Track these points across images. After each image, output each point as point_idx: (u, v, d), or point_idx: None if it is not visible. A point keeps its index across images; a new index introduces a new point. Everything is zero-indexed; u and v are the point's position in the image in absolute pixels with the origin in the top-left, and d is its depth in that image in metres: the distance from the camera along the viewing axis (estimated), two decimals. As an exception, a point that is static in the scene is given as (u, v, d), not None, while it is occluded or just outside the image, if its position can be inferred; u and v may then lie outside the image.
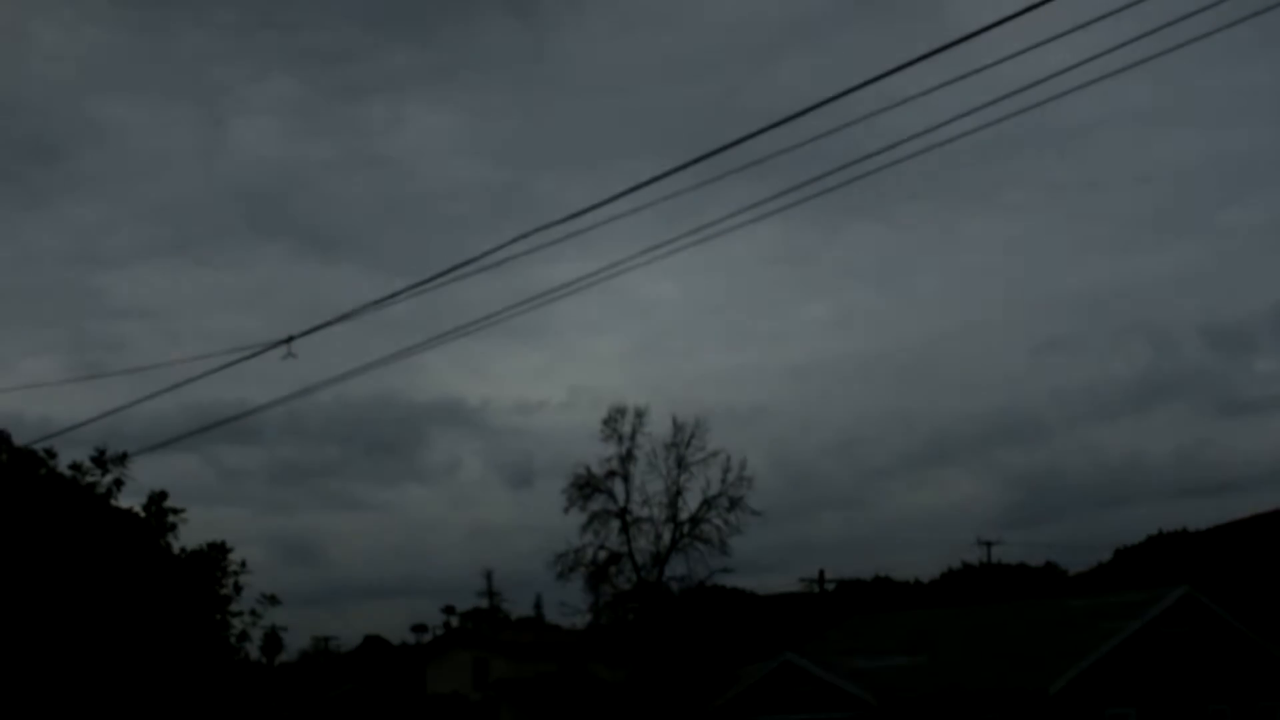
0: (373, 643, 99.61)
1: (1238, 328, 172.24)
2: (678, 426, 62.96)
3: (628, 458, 62.83)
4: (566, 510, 63.47)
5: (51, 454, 35.10)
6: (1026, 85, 16.71)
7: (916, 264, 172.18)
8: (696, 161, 17.80)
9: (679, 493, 62.84)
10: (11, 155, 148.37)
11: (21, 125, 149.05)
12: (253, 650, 35.52)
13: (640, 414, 62.87)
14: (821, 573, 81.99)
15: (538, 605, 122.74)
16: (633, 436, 62.78)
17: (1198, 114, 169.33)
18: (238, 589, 34.44)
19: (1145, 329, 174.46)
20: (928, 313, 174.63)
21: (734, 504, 62.19)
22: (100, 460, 33.66)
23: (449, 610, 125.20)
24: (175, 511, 34.32)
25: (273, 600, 34.85)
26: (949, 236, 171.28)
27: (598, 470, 63.07)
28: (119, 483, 33.90)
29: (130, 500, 33.57)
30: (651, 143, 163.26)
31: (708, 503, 62.50)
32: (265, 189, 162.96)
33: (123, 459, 33.72)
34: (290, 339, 24.90)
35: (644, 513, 63.15)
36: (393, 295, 23.65)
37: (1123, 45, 15.71)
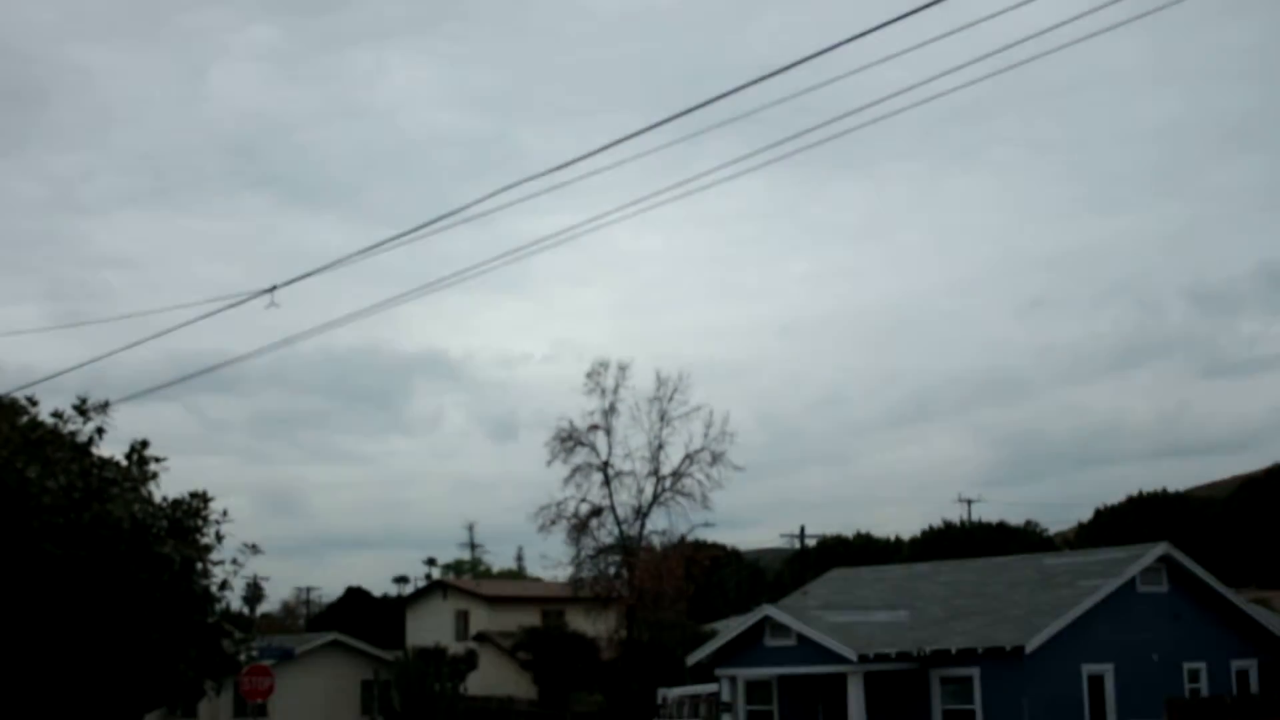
0: (354, 594, 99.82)
1: (1222, 289, 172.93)
2: (660, 380, 63.10)
3: (610, 411, 62.95)
4: (549, 463, 63.64)
5: (33, 401, 35.06)
6: (1012, 43, 16.70)
7: (901, 221, 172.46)
8: (681, 115, 17.78)
9: (661, 447, 63.00)
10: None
11: (0, 72, 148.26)
12: (234, 600, 35.56)
13: (623, 368, 62.97)
14: (802, 528, 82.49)
15: (519, 558, 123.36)
16: (615, 390, 62.88)
17: (1184, 74, 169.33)
18: (219, 538, 34.47)
19: (1129, 289, 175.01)
20: (913, 270, 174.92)
21: (716, 458, 62.38)
22: (82, 408, 33.62)
23: (431, 562, 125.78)
24: (157, 460, 34.33)
25: (254, 550, 34.90)
26: (934, 194, 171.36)
27: (580, 424, 63.19)
28: (101, 431, 33.88)
29: (112, 449, 33.57)
30: (636, 96, 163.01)
31: (689, 457, 62.68)
32: (246, 138, 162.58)
33: (104, 407, 33.70)
34: (274, 288, 24.89)
35: (626, 466, 63.34)
36: (376, 245, 23.65)
37: (1109, 4, 15.70)
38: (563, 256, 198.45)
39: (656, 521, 63.92)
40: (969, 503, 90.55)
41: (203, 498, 34.31)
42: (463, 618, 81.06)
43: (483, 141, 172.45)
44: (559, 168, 19.56)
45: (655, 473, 62.93)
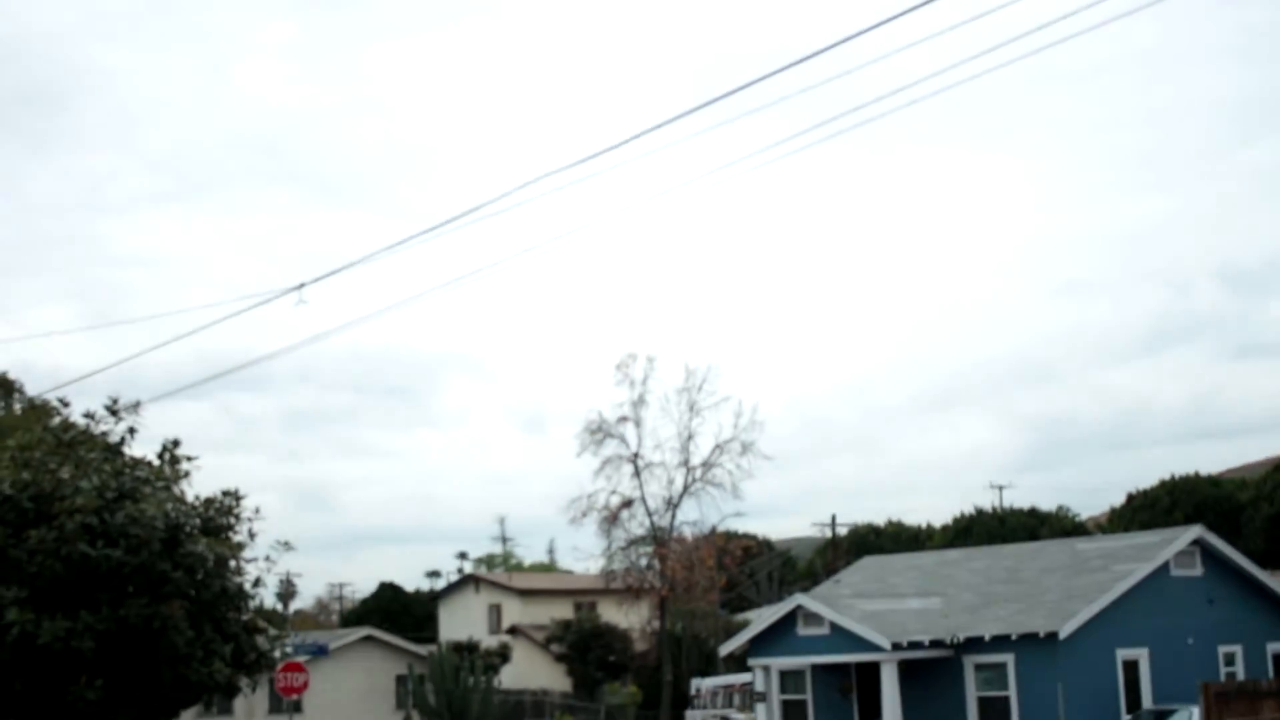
0: (387, 589, 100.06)
1: (1252, 270, 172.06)
2: (689, 371, 63.11)
3: (639, 403, 62.94)
4: (579, 455, 63.72)
5: (65, 403, 35.24)
6: (1039, 26, 16.64)
7: (931, 206, 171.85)
8: (709, 104, 17.76)
9: (690, 437, 62.99)
10: (13, 103, 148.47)
11: (23, 73, 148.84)
12: (268, 597, 35.69)
13: (651, 359, 62.99)
14: (833, 517, 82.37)
15: (551, 550, 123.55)
16: (644, 381, 62.88)
17: (1211, 54, 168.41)
18: (252, 536, 34.58)
19: (1160, 271, 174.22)
20: (942, 255, 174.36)
21: (745, 448, 62.35)
22: (113, 408, 33.75)
23: (462, 555, 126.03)
24: (188, 459, 34.46)
25: (287, 546, 35.00)
26: (962, 178, 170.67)
27: (609, 416, 63.19)
28: (132, 430, 34.01)
29: (143, 448, 33.73)
30: (659, 86, 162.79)
31: (719, 447, 62.64)
32: (268, 135, 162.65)
33: (136, 407, 33.84)
34: (302, 285, 24.96)
35: (656, 457, 63.33)
36: (402, 241, 23.70)
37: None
38: (586, 246, 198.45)
39: (687, 512, 63.96)
40: (1000, 489, 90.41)
41: (235, 496, 34.44)
42: (495, 611, 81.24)
43: (507, 135, 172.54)
44: (584, 160, 19.58)
45: (685, 463, 62.96)
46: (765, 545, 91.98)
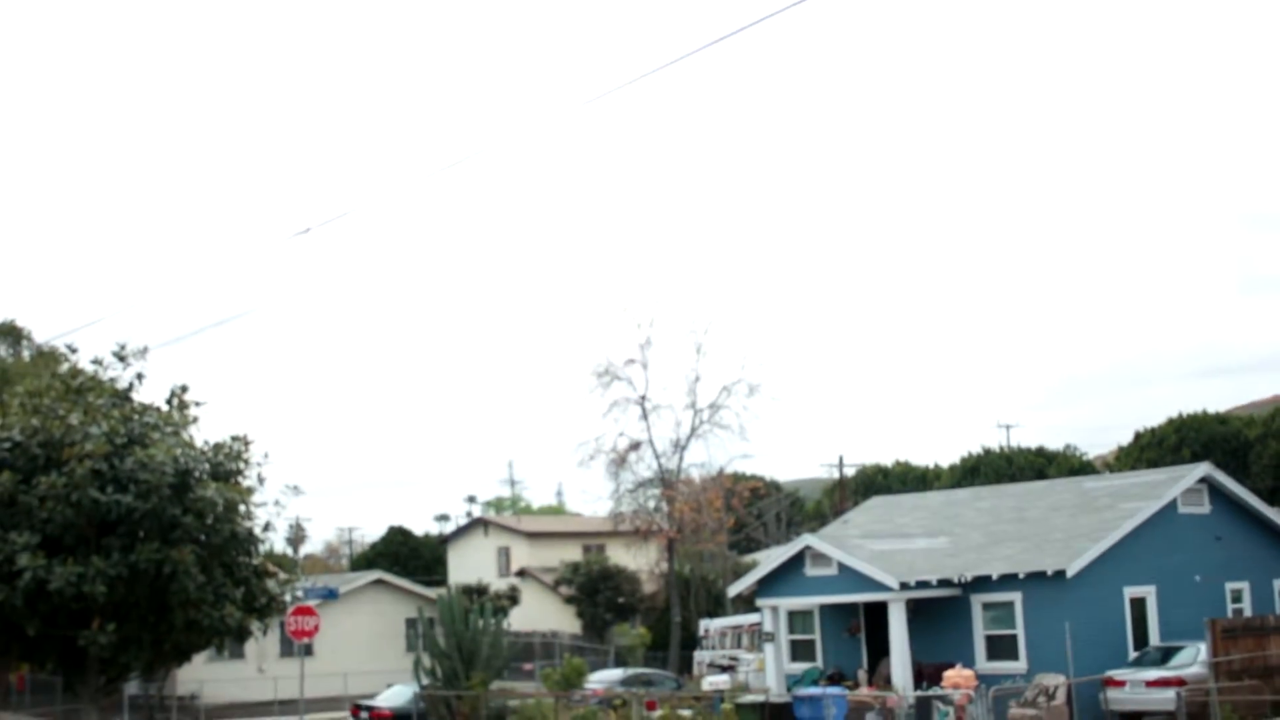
0: (396, 532, 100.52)
1: (1264, 205, 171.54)
2: (696, 314, 63.15)
3: (647, 345, 62.95)
4: (586, 398, 63.81)
5: (73, 349, 35.31)
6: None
7: (933, 144, 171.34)
8: (702, 50, 17.64)
9: (697, 379, 63.01)
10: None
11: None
12: (278, 541, 35.97)
13: (659, 302, 63.02)
14: (841, 458, 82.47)
15: (559, 493, 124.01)
16: (651, 324, 62.88)
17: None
18: (261, 480, 34.72)
19: (1171, 207, 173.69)
20: (950, 194, 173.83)
21: (752, 390, 62.38)
22: (121, 354, 33.82)
23: (471, 499, 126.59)
24: (196, 404, 34.56)
25: (296, 491, 35.15)
26: (974, 121, 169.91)
27: (617, 358, 63.22)
28: (140, 376, 34.10)
29: (151, 392, 33.87)
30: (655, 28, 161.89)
31: (726, 389, 62.67)
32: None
33: (143, 352, 33.94)
34: (308, 230, 24.93)
35: (663, 400, 63.38)
36: (399, 188, 23.63)
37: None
38: (590, 195, 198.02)
39: (695, 454, 63.99)
40: (1007, 428, 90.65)
41: (244, 440, 34.58)
42: (504, 554, 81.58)
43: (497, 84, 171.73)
44: (573, 108, 19.46)
45: (693, 405, 63.01)
46: (773, 486, 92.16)
